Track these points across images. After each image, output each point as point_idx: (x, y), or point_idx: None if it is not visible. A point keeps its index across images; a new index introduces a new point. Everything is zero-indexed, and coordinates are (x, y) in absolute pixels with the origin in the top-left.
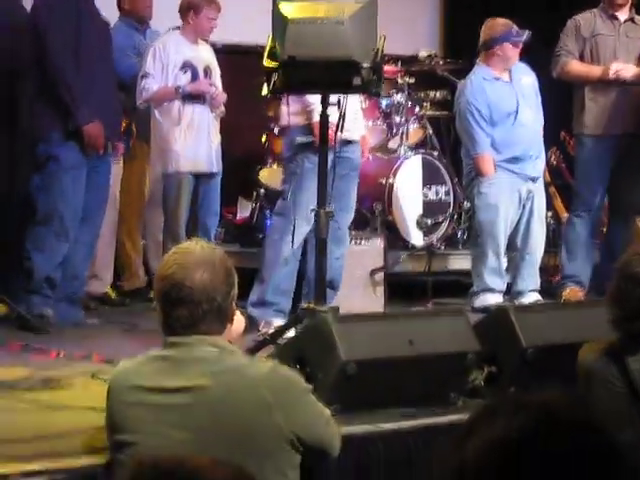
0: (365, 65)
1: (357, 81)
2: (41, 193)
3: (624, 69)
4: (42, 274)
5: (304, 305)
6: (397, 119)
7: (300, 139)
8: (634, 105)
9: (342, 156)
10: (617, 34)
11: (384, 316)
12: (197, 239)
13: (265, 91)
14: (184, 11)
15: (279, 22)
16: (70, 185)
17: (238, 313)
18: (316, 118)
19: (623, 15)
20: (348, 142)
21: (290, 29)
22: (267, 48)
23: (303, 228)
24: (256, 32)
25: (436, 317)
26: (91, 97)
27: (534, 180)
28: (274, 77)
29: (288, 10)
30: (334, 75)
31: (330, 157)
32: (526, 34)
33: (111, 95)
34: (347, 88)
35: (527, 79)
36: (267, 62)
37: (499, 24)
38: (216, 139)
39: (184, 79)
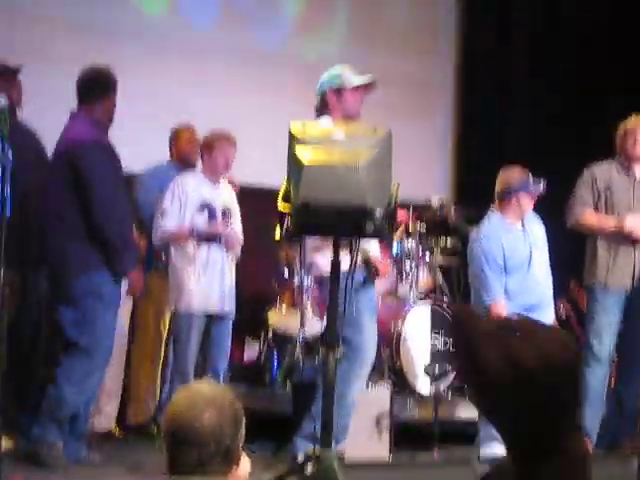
0: (378, 212)
1: (370, 227)
2: (78, 327)
3: (638, 228)
4: (71, 408)
5: (309, 451)
6: (407, 265)
7: None
8: None
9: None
10: (632, 188)
11: (390, 465)
12: (206, 379)
13: (278, 234)
14: (201, 150)
15: (294, 166)
16: (112, 322)
17: (244, 455)
18: None
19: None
20: None
21: (305, 174)
22: (282, 191)
23: None
24: (270, 173)
25: (442, 468)
26: (132, 242)
27: None
28: (287, 221)
29: (304, 154)
30: (347, 221)
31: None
32: (542, 184)
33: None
34: (359, 234)
35: (538, 230)
36: (282, 205)
37: (515, 173)
38: (230, 280)
39: (201, 219)
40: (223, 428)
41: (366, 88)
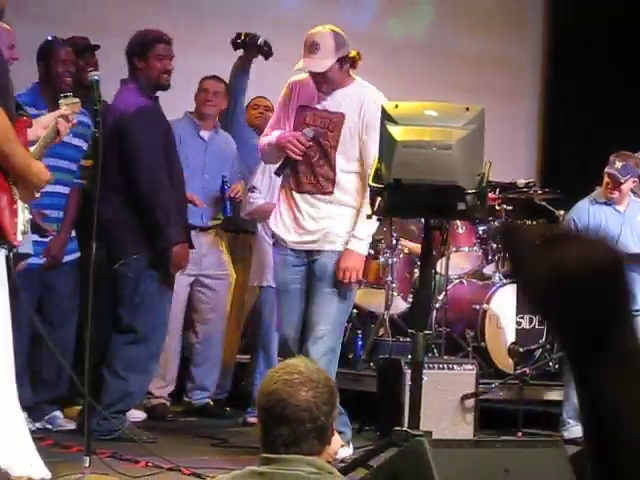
0: (470, 191)
1: (461, 206)
2: (134, 311)
3: None
4: (140, 396)
5: (397, 428)
6: (493, 246)
7: None
8: None
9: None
10: None
11: (479, 443)
12: (301, 357)
13: (369, 212)
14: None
15: (387, 144)
16: (165, 307)
17: (335, 433)
18: None
19: None
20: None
21: (398, 151)
22: (373, 169)
23: None
24: None
25: (532, 447)
26: (180, 217)
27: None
28: (379, 199)
29: (396, 132)
30: (438, 200)
31: None
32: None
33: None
34: (451, 213)
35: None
36: (373, 183)
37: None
38: None
39: None
40: (318, 406)
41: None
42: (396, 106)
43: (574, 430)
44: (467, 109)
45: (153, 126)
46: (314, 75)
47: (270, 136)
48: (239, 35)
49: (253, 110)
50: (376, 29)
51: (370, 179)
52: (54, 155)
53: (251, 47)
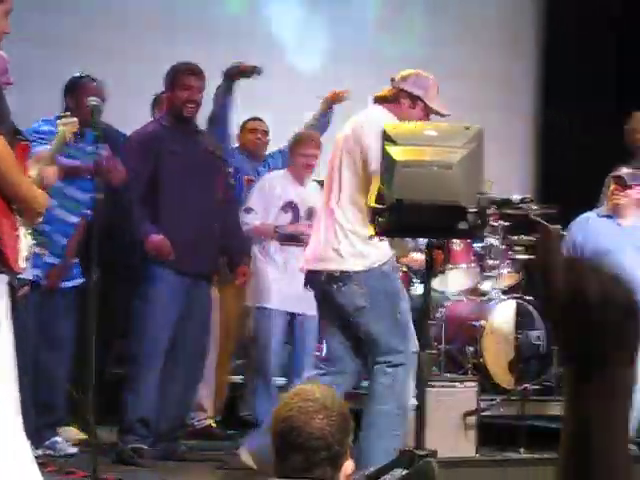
0: (471, 210)
1: (463, 225)
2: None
3: None
4: (135, 415)
5: (403, 448)
6: (490, 262)
7: None
8: None
9: None
10: None
11: (486, 462)
12: (314, 382)
13: (371, 232)
14: (289, 150)
15: (387, 164)
16: (157, 324)
17: (349, 458)
18: None
19: None
20: None
21: (398, 172)
22: (374, 189)
23: None
24: None
25: (538, 465)
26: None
27: None
28: (380, 219)
29: (396, 152)
30: (440, 219)
31: None
32: None
33: (207, 226)
34: (453, 232)
35: None
36: (374, 203)
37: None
38: None
39: (284, 219)
40: (333, 434)
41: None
42: (395, 127)
43: None
44: (467, 128)
45: (139, 153)
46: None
47: None
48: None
49: (250, 134)
50: (373, 46)
51: (371, 200)
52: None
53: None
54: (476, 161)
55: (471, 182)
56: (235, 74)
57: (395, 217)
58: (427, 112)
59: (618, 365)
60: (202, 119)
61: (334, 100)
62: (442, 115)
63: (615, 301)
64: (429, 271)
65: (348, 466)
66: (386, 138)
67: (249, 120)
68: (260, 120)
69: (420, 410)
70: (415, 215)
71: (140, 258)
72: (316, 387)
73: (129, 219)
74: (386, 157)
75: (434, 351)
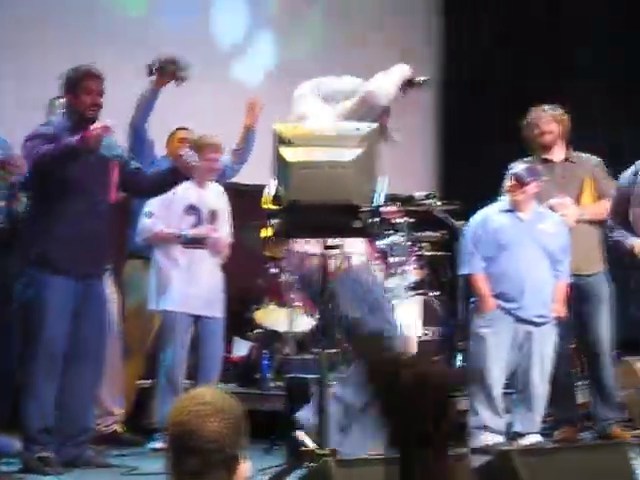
0: (365, 208)
1: (357, 224)
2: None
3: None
4: (37, 423)
5: (303, 448)
6: (395, 259)
7: None
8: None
9: None
10: (553, 176)
11: (387, 460)
12: (209, 385)
13: (267, 234)
14: None
15: (281, 166)
16: (52, 326)
17: (244, 460)
18: None
19: (558, 156)
20: None
21: (292, 173)
22: (270, 191)
23: None
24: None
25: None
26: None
27: (535, 324)
28: (276, 220)
29: (290, 154)
30: (335, 219)
31: None
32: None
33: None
34: (347, 232)
35: (550, 229)
36: (269, 205)
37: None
38: (215, 282)
39: (187, 223)
40: (226, 436)
41: None
42: (289, 128)
43: (482, 439)
44: (360, 127)
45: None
46: None
47: None
48: (159, 61)
49: (180, 143)
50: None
51: (267, 201)
52: None
53: (169, 73)
54: (370, 160)
55: (365, 181)
56: (165, 75)
57: (291, 218)
58: None
59: (439, 446)
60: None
61: (249, 122)
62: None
63: (429, 386)
64: (325, 273)
65: (245, 469)
66: (280, 140)
67: (178, 129)
68: (189, 130)
69: (321, 410)
70: (310, 215)
71: (27, 266)
72: (210, 390)
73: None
74: (281, 159)
75: (334, 350)
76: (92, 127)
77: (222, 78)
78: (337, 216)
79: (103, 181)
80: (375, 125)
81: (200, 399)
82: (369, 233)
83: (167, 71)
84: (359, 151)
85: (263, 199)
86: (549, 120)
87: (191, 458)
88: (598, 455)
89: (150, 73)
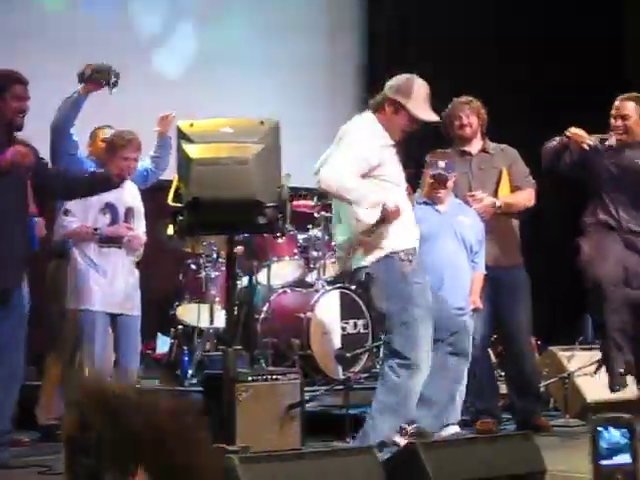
0: (270, 204)
1: (262, 220)
2: None
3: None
4: None
5: (215, 445)
6: (314, 253)
7: None
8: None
9: None
10: (470, 168)
11: (295, 455)
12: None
13: (171, 231)
14: (105, 151)
15: (184, 163)
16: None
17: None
18: None
19: (475, 148)
20: None
21: (194, 170)
22: (172, 188)
23: None
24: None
25: (347, 456)
26: None
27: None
28: (180, 217)
29: (192, 151)
30: (239, 215)
31: None
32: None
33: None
34: (252, 228)
35: (468, 221)
36: (173, 202)
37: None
38: (132, 280)
39: (103, 221)
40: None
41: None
42: (191, 124)
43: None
44: (262, 123)
45: None
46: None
47: None
48: (92, 69)
49: (103, 143)
50: (189, 38)
51: (170, 199)
52: None
53: (100, 81)
54: (273, 156)
55: (268, 177)
56: (97, 83)
57: (194, 215)
58: (411, 119)
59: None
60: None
61: (162, 130)
62: (426, 122)
63: (165, 431)
64: (231, 269)
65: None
66: (182, 136)
67: (98, 128)
68: (111, 128)
69: (229, 406)
70: (214, 212)
71: None
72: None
73: None
74: (183, 155)
75: (239, 347)
76: (10, 151)
77: (142, 70)
78: (241, 213)
79: (19, 198)
80: (276, 121)
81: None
82: (274, 229)
83: (98, 79)
84: (261, 147)
85: (170, 197)
86: (469, 113)
87: (85, 460)
88: (504, 446)
89: (81, 81)
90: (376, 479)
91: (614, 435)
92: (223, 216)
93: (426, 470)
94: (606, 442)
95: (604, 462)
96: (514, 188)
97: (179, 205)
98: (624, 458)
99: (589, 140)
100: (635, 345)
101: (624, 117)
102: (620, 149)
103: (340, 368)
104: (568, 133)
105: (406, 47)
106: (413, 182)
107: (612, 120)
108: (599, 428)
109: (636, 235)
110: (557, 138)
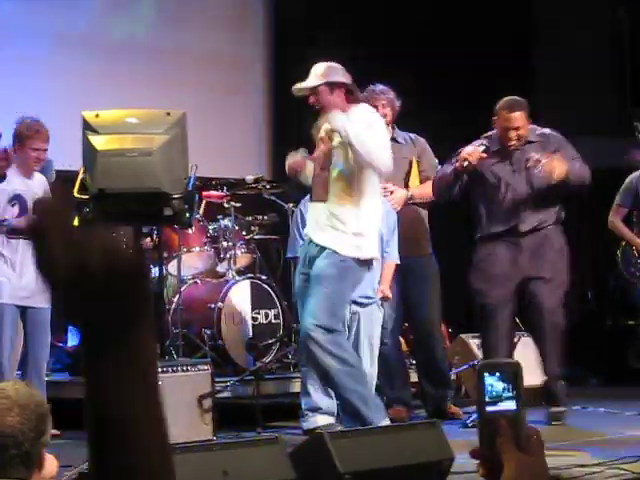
0: (176, 196)
1: (168, 212)
2: None
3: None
4: None
5: None
6: (225, 244)
7: None
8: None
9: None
10: None
11: (199, 447)
12: (16, 380)
13: (77, 223)
14: (14, 143)
15: (89, 154)
16: None
17: (51, 457)
18: None
19: None
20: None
21: (99, 161)
22: (78, 180)
23: None
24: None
25: (252, 446)
26: None
27: (361, 304)
28: (85, 209)
29: (97, 142)
30: (145, 207)
31: None
32: None
33: None
34: (158, 219)
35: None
36: (78, 193)
37: None
38: None
39: (12, 212)
40: (24, 432)
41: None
42: (97, 115)
43: (312, 421)
44: (168, 114)
45: None
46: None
47: None
48: None
49: None
50: (95, 29)
51: (75, 190)
52: None
53: None
54: (179, 147)
55: (175, 168)
56: None
57: (99, 206)
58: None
59: (135, 336)
60: None
61: None
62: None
63: (118, 269)
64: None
65: (49, 465)
66: (87, 127)
67: None
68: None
69: None
70: (119, 203)
71: None
72: (12, 385)
73: None
74: (88, 147)
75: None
76: None
77: (44, 59)
78: (147, 204)
79: None
80: (182, 112)
81: (1, 393)
82: (181, 221)
83: None
84: (166, 138)
85: (76, 189)
86: (384, 104)
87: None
88: (411, 434)
89: None
90: (282, 469)
91: (499, 383)
92: (129, 207)
93: (333, 459)
94: (491, 389)
95: (489, 408)
96: (423, 179)
97: (84, 197)
98: (509, 405)
99: (480, 150)
100: (537, 336)
101: (517, 129)
102: (511, 152)
103: (252, 358)
104: (465, 161)
105: (316, 32)
106: None
107: (503, 132)
108: (485, 374)
109: (523, 235)
110: (449, 167)
